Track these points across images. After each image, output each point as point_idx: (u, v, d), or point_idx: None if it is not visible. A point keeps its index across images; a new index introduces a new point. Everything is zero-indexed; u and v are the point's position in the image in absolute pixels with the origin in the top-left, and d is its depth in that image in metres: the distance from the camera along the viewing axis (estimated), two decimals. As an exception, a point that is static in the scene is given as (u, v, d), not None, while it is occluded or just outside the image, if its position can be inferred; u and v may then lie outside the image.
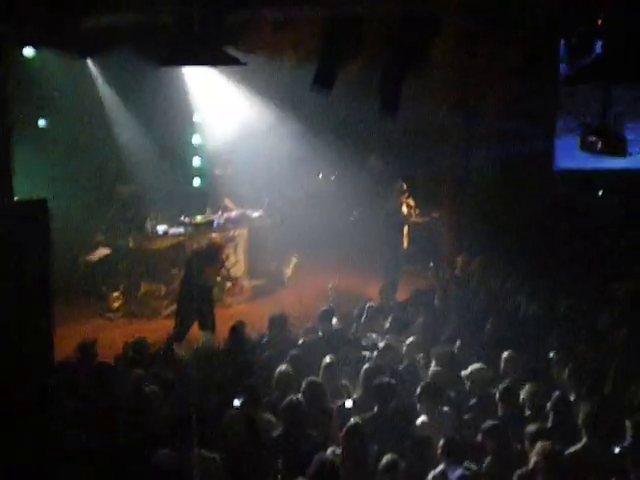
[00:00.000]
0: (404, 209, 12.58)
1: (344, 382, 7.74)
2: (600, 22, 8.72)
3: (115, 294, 12.56)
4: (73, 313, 12.18)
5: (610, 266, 12.37)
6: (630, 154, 10.92)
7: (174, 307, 11.47)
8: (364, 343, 8.97)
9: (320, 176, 17.46)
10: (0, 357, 7.60)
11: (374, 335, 9.23)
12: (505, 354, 7.93)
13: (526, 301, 10.27)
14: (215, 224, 13.28)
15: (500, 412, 6.89)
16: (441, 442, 6.02)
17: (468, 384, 7.49)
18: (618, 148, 10.53)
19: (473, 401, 7.29)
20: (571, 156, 13.76)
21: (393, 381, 7.09)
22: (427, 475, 5.88)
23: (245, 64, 9.18)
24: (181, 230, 12.82)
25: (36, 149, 12.81)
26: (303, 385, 7.09)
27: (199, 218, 13.22)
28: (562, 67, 12.99)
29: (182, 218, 12.93)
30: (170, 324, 11.19)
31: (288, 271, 14.51)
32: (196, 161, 15.12)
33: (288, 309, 11.55)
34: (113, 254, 13.16)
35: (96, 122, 13.30)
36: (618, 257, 12.93)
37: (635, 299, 10.30)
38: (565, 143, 14.15)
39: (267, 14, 9.69)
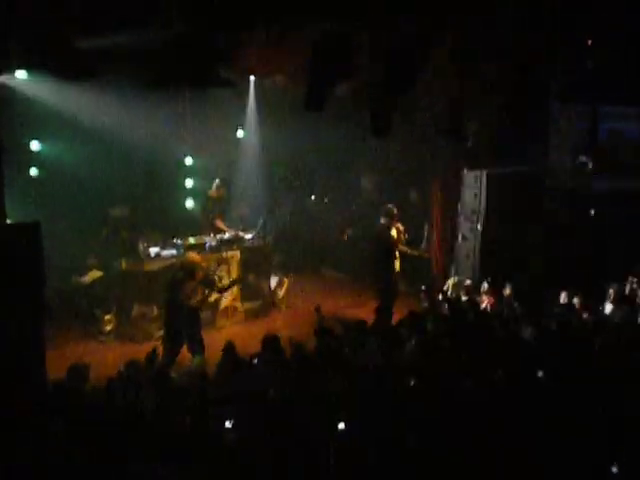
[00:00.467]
0: (394, 233, 12.54)
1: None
2: (590, 42, 8.82)
3: (107, 316, 12.51)
4: (65, 335, 12.14)
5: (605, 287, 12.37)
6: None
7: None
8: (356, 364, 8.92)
9: (313, 197, 17.51)
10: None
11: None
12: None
13: (520, 323, 10.26)
14: (207, 246, 13.27)
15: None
16: None
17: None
18: (609, 167, 10.61)
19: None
20: (563, 175, 13.86)
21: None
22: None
23: (236, 86, 9.21)
24: (173, 252, 12.78)
25: (28, 171, 12.82)
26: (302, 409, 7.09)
27: (191, 240, 13.20)
28: (553, 86, 13.07)
29: (174, 240, 12.90)
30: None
31: (281, 292, 14.50)
32: (188, 183, 15.15)
33: (281, 331, 11.56)
34: (105, 276, 13.13)
35: (88, 144, 13.30)
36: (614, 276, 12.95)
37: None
38: (557, 162, 14.22)
39: (257, 36, 9.74)
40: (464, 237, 14.48)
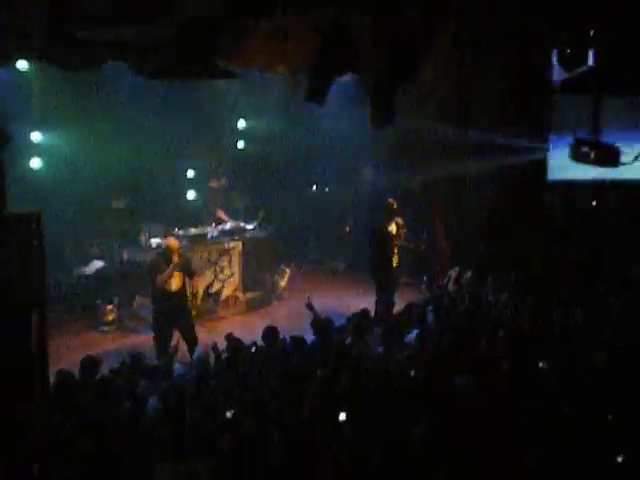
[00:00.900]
0: (393, 227, 12.52)
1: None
2: (592, 33, 8.79)
3: (109, 307, 12.53)
4: (67, 326, 12.17)
5: (607, 278, 12.36)
6: (623, 164, 10.95)
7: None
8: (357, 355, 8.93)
9: (314, 188, 17.51)
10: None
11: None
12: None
13: (522, 315, 10.26)
14: (209, 236, 13.29)
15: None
16: None
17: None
18: (611, 158, 10.55)
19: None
20: (564, 167, 13.81)
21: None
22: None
23: (238, 77, 9.19)
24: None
25: (29, 162, 12.81)
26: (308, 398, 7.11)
27: (193, 231, 13.21)
28: (554, 77, 13.04)
29: (176, 231, 12.91)
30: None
31: (282, 283, 14.52)
32: (190, 173, 15.14)
33: (282, 321, 11.58)
34: (107, 267, 13.15)
35: (90, 135, 13.30)
36: (615, 268, 12.94)
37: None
38: (557, 154, 14.19)
39: (259, 27, 9.72)
40: (465, 228, 14.49)
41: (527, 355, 8.66)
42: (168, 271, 10.64)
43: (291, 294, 14.44)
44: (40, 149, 12.96)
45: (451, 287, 12.09)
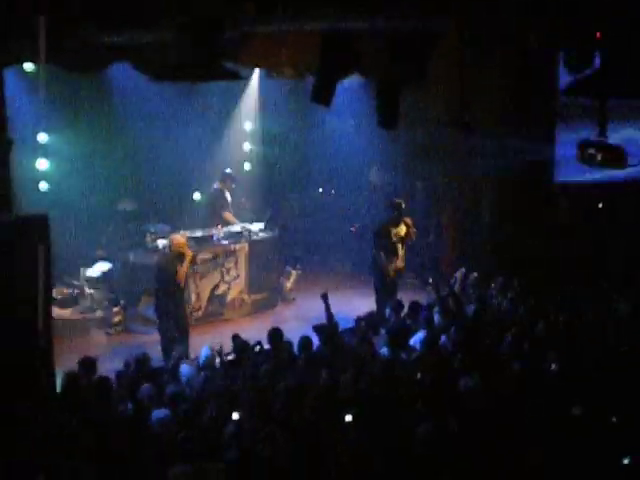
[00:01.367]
0: (401, 228, 12.54)
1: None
2: (599, 35, 8.77)
3: (115, 309, 12.54)
4: (73, 328, 12.18)
5: (612, 279, 12.33)
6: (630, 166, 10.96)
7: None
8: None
9: (321, 190, 17.50)
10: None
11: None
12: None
13: (528, 315, 10.26)
14: (215, 238, 13.29)
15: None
16: None
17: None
18: (618, 160, 10.56)
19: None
20: (570, 169, 13.81)
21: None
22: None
23: (243, 78, 9.20)
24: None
25: (35, 164, 12.83)
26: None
27: (199, 232, 13.21)
28: (561, 79, 13.02)
29: (182, 232, 12.91)
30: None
31: (289, 285, 14.51)
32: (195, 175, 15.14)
33: (288, 323, 11.58)
34: (113, 269, 13.16)
35: (97, 136, 13.33)
36: (620, 269, 12.91)
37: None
38: (564, 156, 14.18)
39: (265, 29, 9.72)
40: (471, 230, 14.47)
41: (533, 355, 8.66)
42: (186, 265, 10.79)
43: (297, 296, 14.42)
44: (46, 150, 12.96)
45: (457, 288, 12.07)
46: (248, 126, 16.04)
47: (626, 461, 6.05)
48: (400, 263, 12.68)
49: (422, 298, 11.85)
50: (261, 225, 14.16)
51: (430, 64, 9.90)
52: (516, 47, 11.25)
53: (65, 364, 8.86)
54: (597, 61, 9.69)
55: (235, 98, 15.31)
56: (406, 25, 8.76)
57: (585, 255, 13.47)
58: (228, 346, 9.39)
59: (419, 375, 8.19)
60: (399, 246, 12.61)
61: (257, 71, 14.60)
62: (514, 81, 12.83)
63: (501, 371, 8.04)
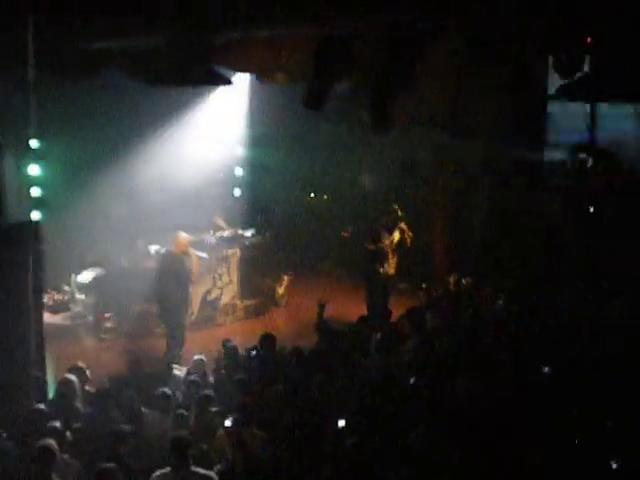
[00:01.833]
0: (396, 235, 12.57)
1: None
2: (589, 40, 8.79)
3: (107, 314, 12.51)
4: (66, 333, 12.15)
5: (606, 281, 12.35)
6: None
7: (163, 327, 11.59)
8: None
9: (312, 195, 17.49)
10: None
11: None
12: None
13: (520, 319, 10.27)
14: (207, 243, 13.27)
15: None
16: None
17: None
18: (609, 166, 10.61)
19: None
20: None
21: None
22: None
23: (232, 83, 9.22)
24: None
25: (27, 168, 12.77)
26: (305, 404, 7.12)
27: (191, 238, 13.17)
28: (550, 83, 13.08)
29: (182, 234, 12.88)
30: (162, 343, 11.26)
31: (281, 290, 14.50)
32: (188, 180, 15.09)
33: (281, 328, 11.58)
34: (105, 274, 13.12)
35: (90, 141, 13.31)
36: (613, 271, 12.93)
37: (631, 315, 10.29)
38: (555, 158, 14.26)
39: (257, 33, 9.72)
40: (463, 233, 14.51)
41: (529, 356, 8.68)
42: (196, 261, 10.93)
43: (289, 301, 14.42)
44: (38, 155, 12.91)
45: (449, 291, 12.11)
46: (239, 130, 16.00)
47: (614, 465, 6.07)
48: (391, 270, 12.68)
49: (414, 303, 11.85)
50: (253, 230, 14.16)
51: (421, 68, 9.91)
52: (512, 49, 11.27)
53: (57, 371, 8.85)
54: (586, 65, 9.77)
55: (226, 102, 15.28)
56: (404, 24, 8.75)
57: (576, 255, 13.50)
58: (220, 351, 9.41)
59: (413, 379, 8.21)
60: (390, 253, 12.61)
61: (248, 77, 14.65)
62: (507, 83, 12.84)
63: (498, 372, 8.05)
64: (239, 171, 16.11)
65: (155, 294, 11.51)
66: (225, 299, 13.41)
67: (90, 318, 12.74)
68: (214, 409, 7.74)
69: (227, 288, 13.44)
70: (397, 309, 11.81)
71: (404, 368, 8.51)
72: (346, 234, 16.62)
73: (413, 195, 15.20)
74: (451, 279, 12.91)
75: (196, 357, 9.30)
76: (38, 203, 11.61)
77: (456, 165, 14.51)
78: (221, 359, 9.36)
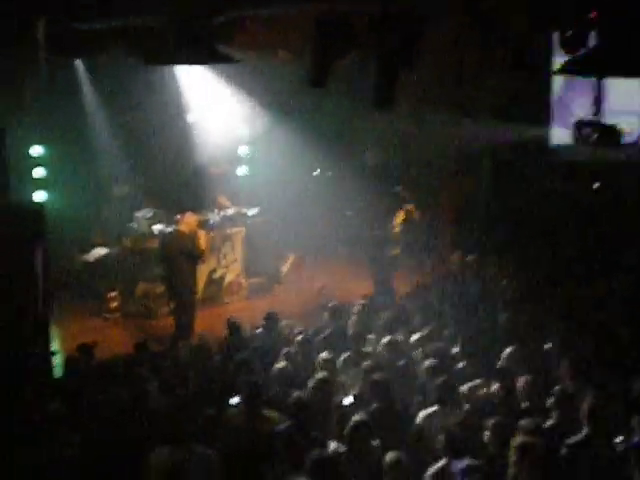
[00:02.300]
0: (401, 216, 12.55)
1: (343, 378, 7.76)
2: (594, 14, 8.71)
3: (112, 294, 12.53)
4: (71, 313, 12.17)
5: (608, 259, 12.35)
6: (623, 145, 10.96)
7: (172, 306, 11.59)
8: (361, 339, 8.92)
9: (316, 173, 17.44)
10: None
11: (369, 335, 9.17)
12: (506, 351, 7.90)
13: (522, 297, 10.30)
14: (211, 222, 13.25)
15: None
16: (442, 436, 6.00)
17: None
18: (613, 139, 10.53)
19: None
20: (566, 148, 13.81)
21: (389, 378, 7.12)
22: (427, 469, 5.89)
23: (237, 61, 9.17)
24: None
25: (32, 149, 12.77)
26: (313, 382, 7.11)
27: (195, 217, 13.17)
28: (555, 59, 12.99)
29: (178, 217, 12.88)
30: (166, 323, 11.31)
31: (285, 269, 14.51)
32: (192, 160, 15.06)
33: (285, 306, 11.59)
34: (110, 254, 13.13)
35: (91, 122, 13.28)
36: (615, 249, 12.93)
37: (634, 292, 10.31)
38: (559, 135, 14.18)
39: (258, 12, 9.67)
40: (468, 211, 14.49)
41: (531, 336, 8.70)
42: (204, 239, 10.95)
43: (294, 279, 14.42)
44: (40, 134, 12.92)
45: (454, 269, 12.11)
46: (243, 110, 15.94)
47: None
48: (395, 251, 12.66)
49: (419, 280, 11.86)
50: (257, 209, 14.15)
51: (425, 45, 9.85)
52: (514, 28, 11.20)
53: (63, 349, 8.88)
54: (592, 40, 9.70)
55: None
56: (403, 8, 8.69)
57: (581, 236, 13.50)
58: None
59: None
60: (394, 235, 12.60)
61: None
62: (510, 61, 12.77)
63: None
64: (243, 150, 16.06)
65: (163, 273, 11.51)
66: (230, 278, 13.41)
67: (96, 298, 12.75)
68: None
69: (232, 267, 13.44)
70: (403, 287, 11.83)
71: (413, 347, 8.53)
72: (349, 213, 16.59)
73: (417, 175, 15.20)
74: (456, 256, 12.92)
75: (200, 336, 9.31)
76: (42, 184, 11.68)
77: (458, 144, 14.46)
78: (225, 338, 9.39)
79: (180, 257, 11.09)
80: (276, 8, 9.44)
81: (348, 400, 7.13)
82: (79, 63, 12.38)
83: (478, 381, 7.49)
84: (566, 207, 14.18)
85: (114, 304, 12.51)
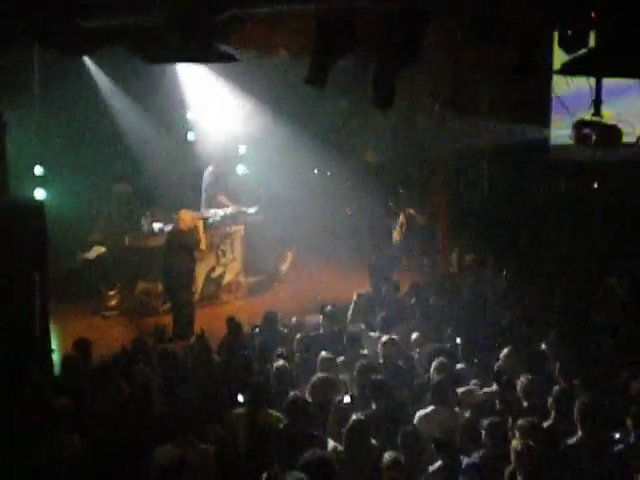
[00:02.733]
0: (401, 219, 12.58)
1: (341, 377, 7.76)
2: (594, 15, 8.71)
3: (112, 292, 12.55)
4: (70, 311, 12.17)
5: (607, 259, 12.36)
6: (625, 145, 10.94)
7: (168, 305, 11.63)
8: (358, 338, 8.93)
9: (316, 171, 17.46)
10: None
11: (371, 333, 9.19)
12: (504, 351, 7.91)
13: (522, 296, 10.31)
14: (210, 221, 13.26)
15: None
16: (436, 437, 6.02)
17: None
18: (613, 139, 10.51)
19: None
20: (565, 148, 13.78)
21: (385, 378, 7.14)
22: (424, 470, 5.90)
23: (237, 60, 9.17)
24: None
25: (32, 146, 12.78)
26: (312, 380, 7.11)
27: (195, 213, 13.18)
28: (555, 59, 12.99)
29: (175, 216, 12.88)
30: (166, 321, 11.31)
31: (284, 267, 14.52)
32: (190, 158, 15.08)
33: (284, 305, 11.60)
34: (109, 252, 13.14)
35: (92, 119, 13.29)
36: (614, 250, 12.93)
37: (632, 293, 10.32)
38: (559, 135, 14.17)
39: (258, 10, 9.66)
40: (466, 212, 14.50)
41: (530, 336, 8.71)
42: (202, 234, 11.00)
43: (293, 278, 14.43)
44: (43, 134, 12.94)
45: (453, 269, 12.13)
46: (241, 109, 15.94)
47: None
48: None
49: (418, 280, 11.87)
50: (256, 208, 14.15)
51: (424, 44, 9.85)
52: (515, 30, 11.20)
53: (62, 347, 8.88)
54: (591, 40, 9.71)
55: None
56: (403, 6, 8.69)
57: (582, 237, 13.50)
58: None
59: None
60: (395, 234, 12.64)
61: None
62: (509, 60, 12.77)
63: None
64: (242, 149, 16.08)
65: (162, 271, 11.52)
66: (229, 276, 13.42)
67: (94, 296, 12.76)
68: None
69: (231, 265, 13.45)
70: (401, 285, 11.82)
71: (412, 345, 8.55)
72: (349, 211, 16.62)
73: (418, 176, 15.22)
74: (454, 255, 12.95)
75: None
76: (41, 181, 11.68)
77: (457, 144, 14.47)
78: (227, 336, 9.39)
79: (181, 254, 11.10)
80: (278, 6, 9.43)
81: (347, 399, 7.14)
82: (83, 60, 12.38)
83: (475, 381, 7.51)
84: (566, 207, 14.18)
85: (113, 302, 12.53)
